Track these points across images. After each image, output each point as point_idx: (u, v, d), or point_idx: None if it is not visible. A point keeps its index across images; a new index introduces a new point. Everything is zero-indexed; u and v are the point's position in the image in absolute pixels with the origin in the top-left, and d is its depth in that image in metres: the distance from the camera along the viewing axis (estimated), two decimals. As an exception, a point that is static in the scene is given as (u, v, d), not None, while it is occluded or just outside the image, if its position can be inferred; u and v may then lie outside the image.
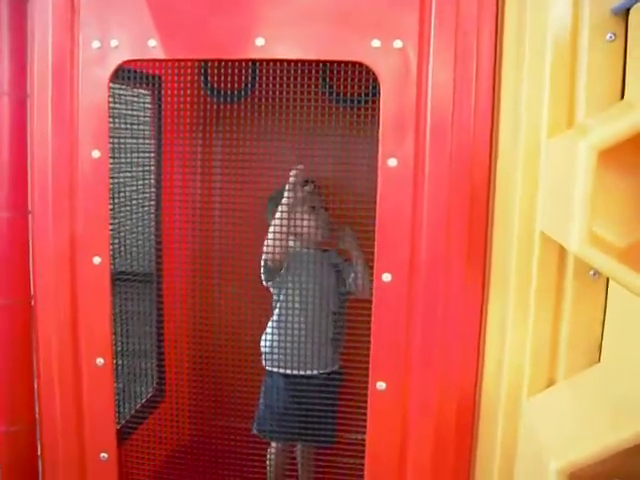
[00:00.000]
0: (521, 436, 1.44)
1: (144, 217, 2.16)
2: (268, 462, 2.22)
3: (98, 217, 1.70)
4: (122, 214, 1.96)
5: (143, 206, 2.14)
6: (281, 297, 2.09)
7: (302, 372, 2.07)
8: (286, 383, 2.12)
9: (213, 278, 2.16)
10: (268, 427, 2.16)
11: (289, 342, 2.00)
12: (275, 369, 2.12)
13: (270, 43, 1.56)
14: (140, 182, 2.10)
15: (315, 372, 2.08)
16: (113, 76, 1.65)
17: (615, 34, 1.29)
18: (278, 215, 1.93)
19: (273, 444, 2.22)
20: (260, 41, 1.55)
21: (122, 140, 1.90)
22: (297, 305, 2.00)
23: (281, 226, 1.94)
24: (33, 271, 1.80)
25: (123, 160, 1.93)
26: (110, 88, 1.67)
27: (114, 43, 1.63)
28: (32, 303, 1.81)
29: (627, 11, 1.25)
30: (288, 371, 2.09)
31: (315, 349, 1.99)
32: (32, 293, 1.81)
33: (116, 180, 1.84)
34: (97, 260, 1.70)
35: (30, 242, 1.79)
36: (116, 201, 1.85)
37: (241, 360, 2.04)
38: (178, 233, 2.07)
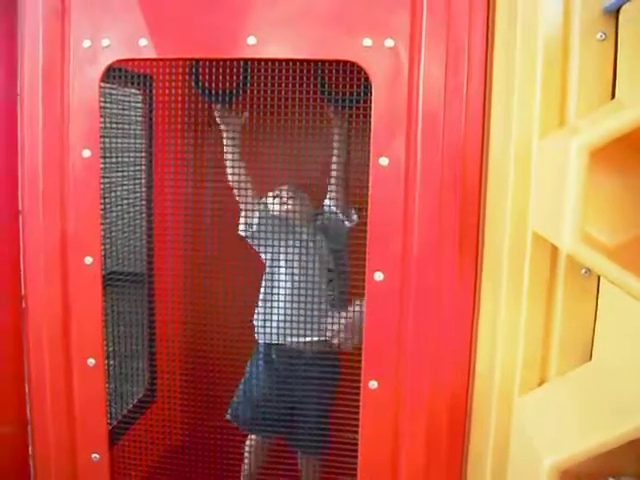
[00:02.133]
0: (513, 434, 1.44)
1: (135, 217, 2.16)
2: (245, 457, 2.14)
3: (89, 217, 1.69)
4: (114, 213, 1.95)
5: (135, 206, 2.13)
6: (267, 269, 2.06)
7: (290, 339, 1.98)
8: (270, 357, 2.06)
9: (205, 278, 2.15)
10: (243, 413, 2.09)
11: (271, 310, 1.97)
12: (261, 340, 2.06)
13: (261, 42, 1.56)
14: (131, 181, 2.09)
15: (301, 340, 1.96)
16: (104, 76, 1.64)
17: (606, 33, 1.29)
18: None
19: (251, 436, 2.14)
20: (252, 40, 1.55)
21: (113, 139, 1.89)
22: (280, 276, 1.98)
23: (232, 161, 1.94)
24: (24, 271, 1.79)
25: (114, 160, 1.93)
26: (101, 87, 1.66)
27: (105, 43, 1.62)
28: (23, 304, 1.80)
29: (617, 10, 1.26)
30: (275, 340, 2.01)
31: (300, 316, 1.92)
32: (23, 293, 1.80)
33: (107, 179, 1.83)
34: (89, 260, 1.69)
35: (21, 242, 1.78)
36: (107, 201, 1.85)
37: (233, 359, 2.04)
38: (170, 233, 2.06)
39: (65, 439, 1.81)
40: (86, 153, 1.66)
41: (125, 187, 2.05)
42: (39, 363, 1.80)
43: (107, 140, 1.81)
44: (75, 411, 1.79)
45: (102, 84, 1.67)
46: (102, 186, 1.72)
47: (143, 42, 1.60)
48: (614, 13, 1.27)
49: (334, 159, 1.96)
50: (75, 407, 1.79)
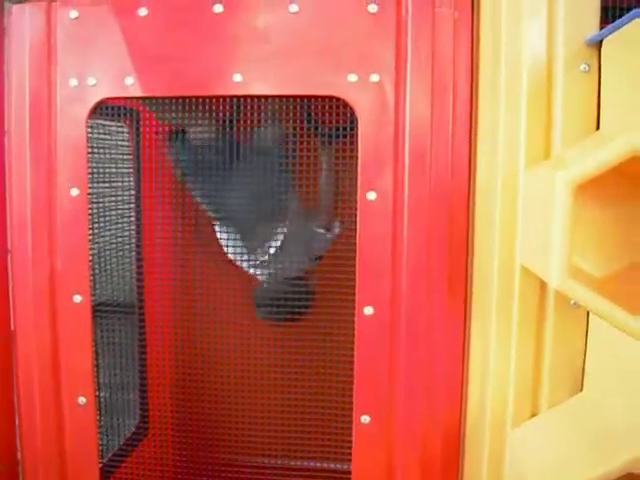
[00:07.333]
0: (507, 467, 1.44)
1: (124, 251, 2.15)
2: None
3: (78, 255, 1.68)
4: (103, 250, 1.94)
5: (123, 244, 2.12)
6: None
7: None
8: None
9: (195, 308, 2.14)
10: None
11: None
12: None
13: (247, 79, 1.56)
14: (120, 218, 2.09)
15: None
16: (91, 114, 1.64)
17: (589, 65, 1.31)
18: None
19: None
20: (237, 77, 1.56)
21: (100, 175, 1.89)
22: None
23: None
24: (14, 310, 1.78)
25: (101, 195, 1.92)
26: (88, 126, 1.66)
27: (91, 81, 1.62)
28: (12, 342, 1.80)
29: (600, 42, 1.27)
30: None
31: None
32: (13, 331, 1.79)
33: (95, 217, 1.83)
34: (78, 299, 1.68)
35: (10, 281, 1.77)
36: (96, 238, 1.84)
37: (228, 391, 2.02)
38: (160, 263, 2.06)
39: (56, 478, 1.79)
40: (74, 192, 1.65)
41: (114, 224, 2.04)
42: (29, 401, 1.78)
43: (95, 176, 1.82)
44: (66, 450, 1.77)
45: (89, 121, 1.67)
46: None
47: (129, 80, 1.60)
48: (597, 44, 1.29)
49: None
50: (66, 446, 1.77)
